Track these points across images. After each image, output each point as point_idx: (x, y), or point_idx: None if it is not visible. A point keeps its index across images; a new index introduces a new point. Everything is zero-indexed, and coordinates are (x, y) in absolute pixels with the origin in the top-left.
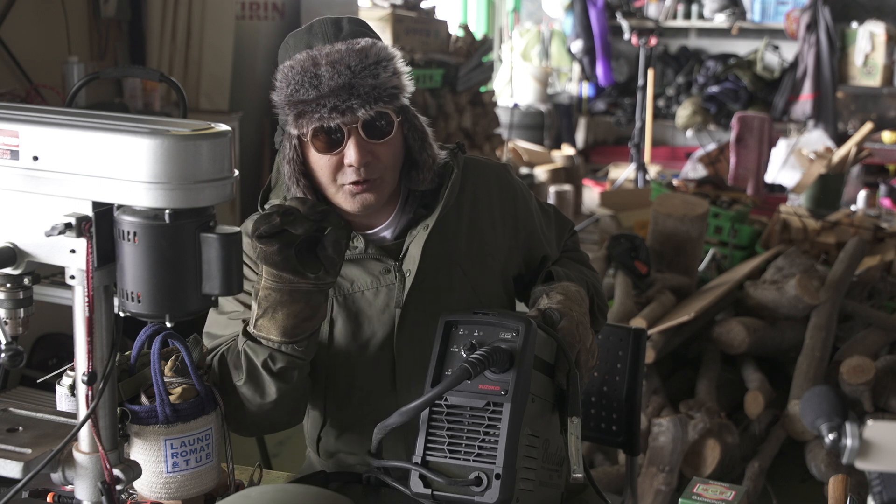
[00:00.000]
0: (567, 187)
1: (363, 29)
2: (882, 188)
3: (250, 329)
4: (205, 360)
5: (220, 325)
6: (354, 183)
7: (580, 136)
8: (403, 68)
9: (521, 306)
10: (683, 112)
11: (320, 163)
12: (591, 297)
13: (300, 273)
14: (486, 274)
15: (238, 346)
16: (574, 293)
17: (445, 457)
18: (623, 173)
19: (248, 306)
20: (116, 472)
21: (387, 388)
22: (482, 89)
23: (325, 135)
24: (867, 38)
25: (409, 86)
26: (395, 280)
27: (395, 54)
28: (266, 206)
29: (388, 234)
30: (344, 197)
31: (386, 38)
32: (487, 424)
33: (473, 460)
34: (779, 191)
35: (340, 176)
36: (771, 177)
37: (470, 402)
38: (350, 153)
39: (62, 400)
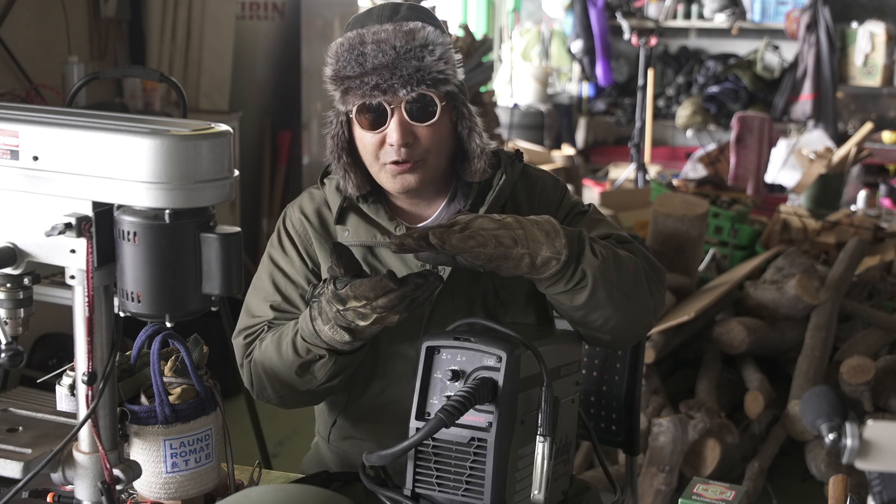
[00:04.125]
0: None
1: (420, 14)
2: (882, 188)
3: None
4: (205, 359)
5: (258, 306)
6: (395, 163)
7: (580, 136)
8: (453, 56)
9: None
10: (683, 112)
11: (364, 139)
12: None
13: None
14: (513, 281)
15: (317, 369)
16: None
17: (434, 490)
18: (623, 173)
19: (281, 294)
20: (116, 472)
21: (409, 379)
22: (482, 89)
23: (369, 112)
24: (867, 38)
25: (457, 73)
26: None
27: (445, 41)
28: (325, 180)
29: None
30: (386, 176)
31: None
32: (473, 459)
33: (462, 495)
34: (779, 191)
35: (383, 154)
36: (771, 177)
37: (454, 437)
38: (391, 132)
39: (62, 400)
